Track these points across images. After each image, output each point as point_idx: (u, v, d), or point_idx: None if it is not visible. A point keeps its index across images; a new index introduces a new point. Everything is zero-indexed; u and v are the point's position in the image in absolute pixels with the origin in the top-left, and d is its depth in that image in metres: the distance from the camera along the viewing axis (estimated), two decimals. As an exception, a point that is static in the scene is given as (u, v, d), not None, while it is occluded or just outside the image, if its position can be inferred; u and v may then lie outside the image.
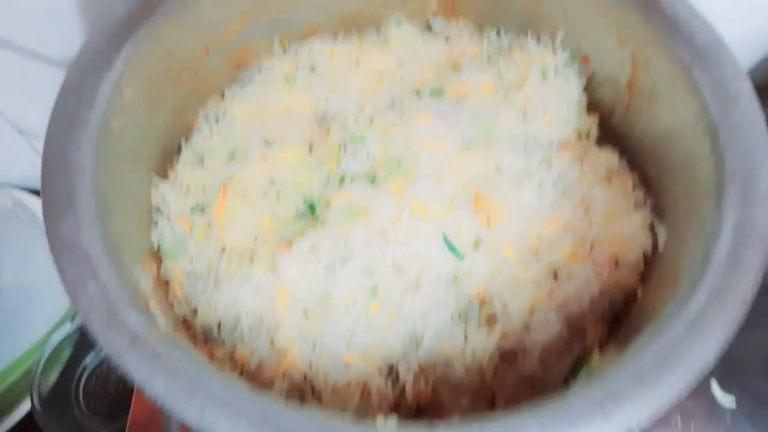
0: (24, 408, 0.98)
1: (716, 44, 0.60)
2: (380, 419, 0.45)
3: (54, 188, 0.49)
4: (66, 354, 1.16)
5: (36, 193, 1.24)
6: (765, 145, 0.53)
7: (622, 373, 0.45)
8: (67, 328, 1.14)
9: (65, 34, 0.95)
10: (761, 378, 0.81)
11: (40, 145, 1.20)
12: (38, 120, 1.16)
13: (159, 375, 0.42)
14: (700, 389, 0.79)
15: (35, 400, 0.96)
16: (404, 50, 0.81)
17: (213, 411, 0.42)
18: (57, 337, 1.13)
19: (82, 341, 1.19)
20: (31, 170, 1.31)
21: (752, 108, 0.55)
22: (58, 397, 1.10)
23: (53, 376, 1.14)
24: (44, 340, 1.13)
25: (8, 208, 1.19)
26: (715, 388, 0.77)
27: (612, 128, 0.75)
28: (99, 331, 0.44)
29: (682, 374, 0.45)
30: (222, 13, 0.69)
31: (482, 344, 0.61)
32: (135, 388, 0.73)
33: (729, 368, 0.79)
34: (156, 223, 0.66)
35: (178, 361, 0.44)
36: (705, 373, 0.45)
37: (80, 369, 1.20)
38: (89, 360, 1.21)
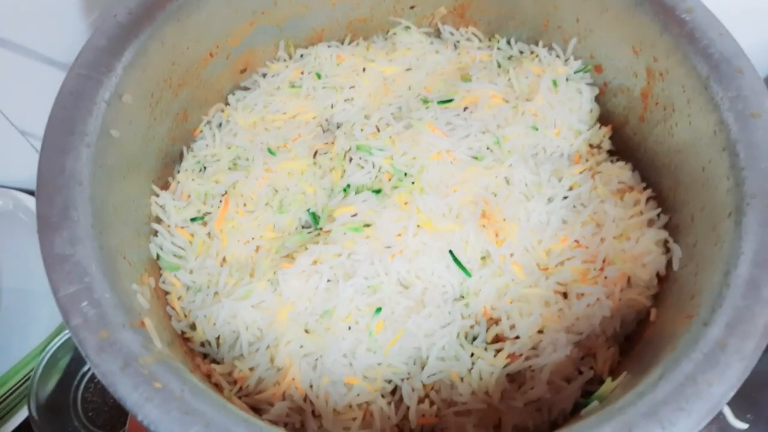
0: (21, 416, 0.96)
1: (736, 56, 0.57)
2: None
3: (49, 201, 0.47)
4: (65, 361, 1.14)
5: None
6: (788, 165, 0.51)
7: (637, 407, 0.43)
8: (67, 333, 1.12)
9: (69, 36, 0.94)
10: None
11: (39, 146, 1.18)
12: (41, 122, 1.15)
13: (152, 400, 0.40)
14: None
15: (32, 407, 0.95)
16: (412, 56, 0.79)
17: (208, 439, 0.40)
18: (56, 343, 1.11)
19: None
20: (34, 172, 1.30)
21: (774, 126, 0.52)
22: (55, 406, 1.08)
23: (51, 383, 1.12)
24: (43, 346, 1.11)
25: (9, 210, 1.18)
26: (728, 415, 0.75)
27: (625, 139, 0.73)
28: (92, 354, 0.42)
29: (699, 411, 0.43)
30: (227, 15, 0.67)
31: (489, 365, 0.59)
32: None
33: (742, 393, 0.76)
34: (155, 233, 0.64)
35: (173, 384, 0.42)
36: (721, 407, 0.43)
37: (79, 377, 1.19)
38: (87, 369, 1.19)
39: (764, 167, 0.51)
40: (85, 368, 1.20)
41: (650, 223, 0.65)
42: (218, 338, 0.62)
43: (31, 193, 1.22)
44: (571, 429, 0.43)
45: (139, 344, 0.43)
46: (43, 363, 1.11)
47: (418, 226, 0.64)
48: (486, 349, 0.60)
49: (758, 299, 0.46)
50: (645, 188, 0.68)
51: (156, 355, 0.43)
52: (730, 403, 0.78)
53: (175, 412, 0.40)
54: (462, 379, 0.59)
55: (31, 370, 1.04)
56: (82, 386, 1.20)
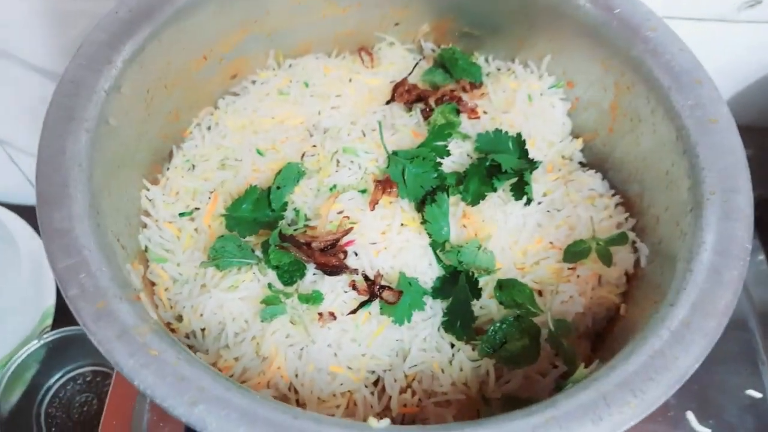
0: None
1: (695, 69, 0.63)
2: (372, 419, 0.45)
3: (49, 178, 0.48)
4: (30, 374, 1.12)
5: (8, 206, 1.21)
6: (742, 163, 0.56)
7: (610, 378, 0.45)
8: (34, 345, 1.10)
9: (46, 40, 0.95)
10: (736, 410, 0.83)
11: (16, 155, 1.17)
12: (15, 128, 1.14)
13: (149, 367, 0.41)
14: (677, 421, 0.81)
15: (-5, 422, 0.92)
16: (396, 70, 0.83)
17: (203, 404, 0.41)
18: (22, 355, 1.09)
19: (48, 361, 1.15)
20: (7, 181, 1.28)
21: (729, 129, 0.58)
22: (18, 421, 1.05)
23: (15, 396, 1.09)
24: (8, 358, 1.08)
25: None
26: (692, 420, 0.78)
27: (595, 151, 0.78)
28: (89, 322, 0.43)
29: (667, 381, 0.46)
30: (222, 22, 0.70)
31: (469, 356, 0.61)
32: (102, 417, 0.71)
33: (705, 401, 0.81)
34: (145, 226, 0.65)
35: (168, 353, 0.43)
36: (687, 378, 0.46)
37: (43, 391, 1.16)
38: (53, 382, 1.17)
39: (722, 167, 0.56)
40: (51, 382, 1.17)
41: (619, 225, 0.70)
42: (203, 330, 0.63)
43: (3, 205, 1.20)
44: (551, 400, 0.46)
45: (134, 315, 0.44)
46: (8, 375, 1.08)
47: (402, 224, 0.67)
48: (466, 341, 0.63)
49: (719, 283, 0.49)
50: (614, 195, 0.73)
51: (151, 326, 0.44)
52: (694, 410, 0.82)
53: (171, 378, 0.41)
54: (443, 370, 0.61)
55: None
56: (46, 401, 1.17)
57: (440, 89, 0.79)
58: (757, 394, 0.83)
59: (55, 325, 1.16)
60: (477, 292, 0.63)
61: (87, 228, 0.48)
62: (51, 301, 1.17)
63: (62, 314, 1.18)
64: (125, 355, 0.42)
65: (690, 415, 0.81)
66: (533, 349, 0.61)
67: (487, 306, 0.64)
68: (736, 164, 0.56)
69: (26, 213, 1.20)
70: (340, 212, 0.67)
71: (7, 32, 0.94)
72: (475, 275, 0.64)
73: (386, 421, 0.44)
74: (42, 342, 1.12)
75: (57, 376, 1.18)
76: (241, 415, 0.42)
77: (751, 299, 0.90)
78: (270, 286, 0.61)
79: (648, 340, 0.48)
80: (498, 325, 0.61)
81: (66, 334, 1.11)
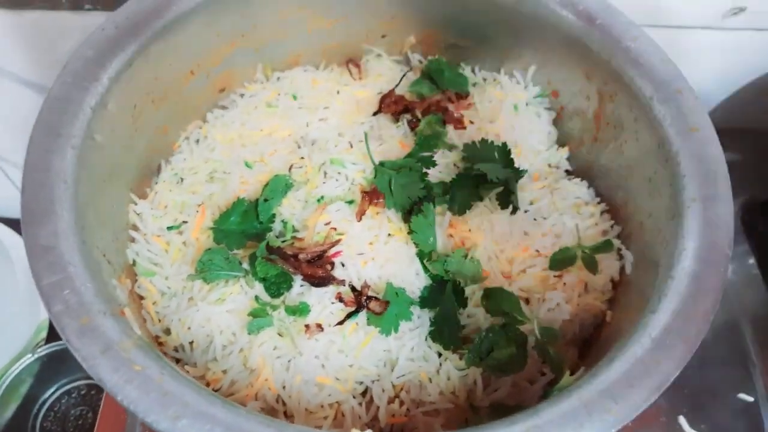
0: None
1: (676, 79, 0.64)
2: (355, 431, 0.45)
3: (35, 195, 0.49)
4: (25, 387, 1.12)
5: (2, 220, 1.21)
6: (722, 171, 0.56)
7: (593, 385, 0.46)
8: (29, 359, 1.11)
9: (39, 55, 0.95)
10: (727, 414, 0.83)
11: (9, 169, 1.17)
12: (8, 143, 1.15)
13: (132, 382, 0.42)
14: (670, 426, 0.81)
15: (-10, 434, 0.92)
16: (383, 81, 0.84)
17: (186, 419, 0.41)
18: (17, 368, 1.09)
19: (42, 374, 1.15)
20: (0, 195, 1.29)
21: (710, 137, 0.58)
22: (14, 435, 1.05)
23: (10, 411, 1.09)
24: (4, 371, 1.08)
25: (-28, 239, 1.16)
26: (684, 425, 0.78)
27: (580, 159, 0.78)
28: (72, 338, 0.43)
29: (648, 387, 0.46)
30: (209, 36, 0.71)
31: (457, 365, 0.62)
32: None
33: (697, 405, 0.81)
34: (133, 240, 0.66)
35: (152, 368, 0.43)
36: (668, 385, 0.46)
37: (38, 405, 1.16)
38: (48, 396, 1.17)
39: (702, 174, 0.57)
40: (45, 395, 1.17)
41: (604, 233, 0.70)
42: (191, 343, 0.63)
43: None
44: (534, 408, 0.46)
45: (119, 330, 0.45)
46: (2, 389, 1.08)
47: (389, 235, 0.67)
48: (453, 350, 0.63)
49: (700, 289, 0.50)
50: (599, 202, 0.73)
51: (136, 341, 0.45)
52: (685, 414, 0.82)
53: (155, 393, 0.42)
54: (430, 380, 0.61)
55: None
56: (41, 415, 1.17)
57: (426, 100, 0.79)
58: (749, 398, 0.83)
59: (50, 338, 1.17)
60: (463, 301, 0.63)
61: (72, 244, 0.48)
62: (45, 314, 1.17)
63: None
64: (109, 371, 0.42)
65: (682, 420, 0.81)
66: (520, 357, 0.62)
67: (474, 315, 0.65)
68: (716, 172, 0.56)
69: (20, 227, 1.20)
70: (328, 223, 0.67)
71: (0, 47, 0.95)
72: (462, 284, 0.64)
73: (369, 433, 0.45)
74: (36, 356, 1.12)
75: (52, 390, 1.18)
76: (225, 430, 0.42)
77: (742, 303, 0.91)
78: (257, 298, 0.62)
79: (630, 347, 0.48)
80: (484, 333, 0.61)
81: (60, 347, 1.11)
